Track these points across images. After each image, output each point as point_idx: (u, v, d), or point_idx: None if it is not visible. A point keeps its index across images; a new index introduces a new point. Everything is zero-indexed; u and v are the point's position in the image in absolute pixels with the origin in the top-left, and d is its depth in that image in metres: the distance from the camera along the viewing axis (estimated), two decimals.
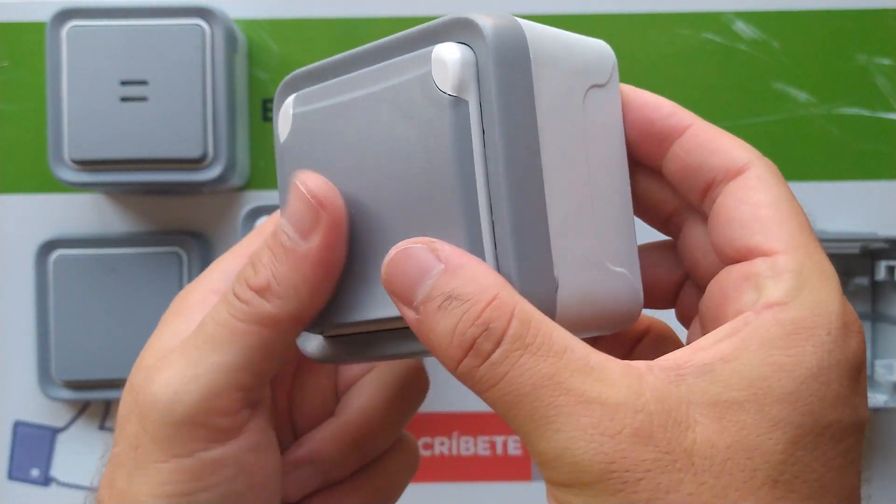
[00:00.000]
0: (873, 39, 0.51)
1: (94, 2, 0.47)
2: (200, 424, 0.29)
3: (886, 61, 0.51)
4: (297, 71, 0.31)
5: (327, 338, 0.31)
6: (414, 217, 0.27)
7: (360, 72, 0.29)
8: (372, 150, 0.28)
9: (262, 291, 0.29)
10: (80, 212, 0.51)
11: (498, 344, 0.24)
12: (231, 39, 0.47)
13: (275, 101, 0.32)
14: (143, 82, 0.46)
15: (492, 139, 0.25)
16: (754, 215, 0.27)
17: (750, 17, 0.51)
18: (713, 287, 0.29)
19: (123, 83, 0.46)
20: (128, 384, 0.30)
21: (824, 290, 0.26)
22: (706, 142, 0.30)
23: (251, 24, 0.51)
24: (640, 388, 0.24)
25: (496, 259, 0.26)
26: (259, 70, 0.51)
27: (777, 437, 0.24)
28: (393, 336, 0.29)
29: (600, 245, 0.29)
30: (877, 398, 0.48)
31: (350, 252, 0.29)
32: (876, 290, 0.51)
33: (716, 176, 0.29)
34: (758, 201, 0.28)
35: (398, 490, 0.36)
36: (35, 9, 0.50)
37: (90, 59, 0.46)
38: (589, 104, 0.29)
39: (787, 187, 0.28)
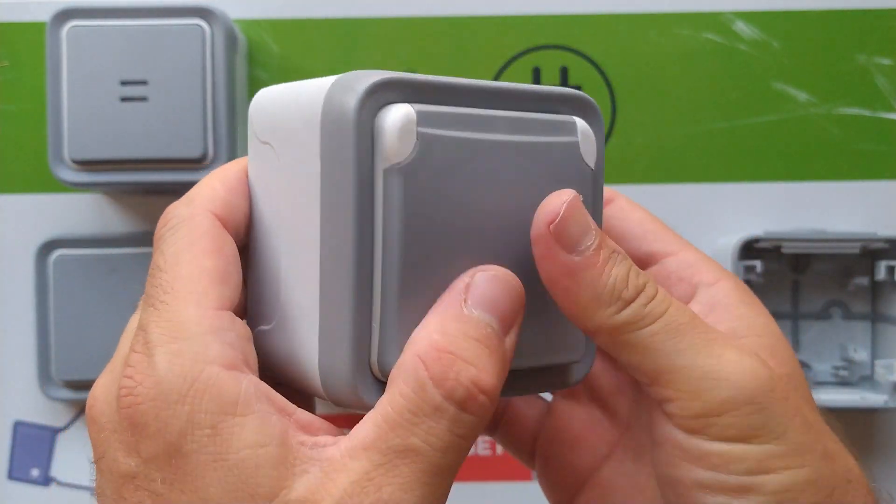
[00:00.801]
0: (873, 39, 0.51)
1: (94, 2, 0.47)
2: None
3: (886, 61, 0.51)
4: (395, 76, 0.27)
5: None
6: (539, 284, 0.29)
7: (497, 112, 0.28)
8: (507, 195, 0.28)
9: (494, 394, 0.25)
10: (80, 212, 0.51)
11: (657, 288, 0.28)
12: (231, 39, 0.47)
13: (362, 105, 0.26)
14: (143, 82, 0.46)
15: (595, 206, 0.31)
16: (643, 230, 0.33)
17: (750, 17, 0.51)
18: None
19: (123, 83, 0.46)
20: None
21: (724, 267, 0.33)
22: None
23: (251, 24, 0.51)
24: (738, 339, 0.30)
25: None
26: (259, 70, 0.51)
27: (795, 364, 0.30)
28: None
29: None
30: (877, 398, 0.48)
31: None
32: (876, 290, 0.51)
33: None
34: (638, 219, 0.33)
35: None
36: (35, 9, 0.50)
37: (90, 59, 0.46)
38: None
39: (643, 208, 0.34)
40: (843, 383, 0.51)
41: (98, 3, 0.47)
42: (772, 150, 0.51)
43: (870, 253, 0.49)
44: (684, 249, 0.33)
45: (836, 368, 0.51)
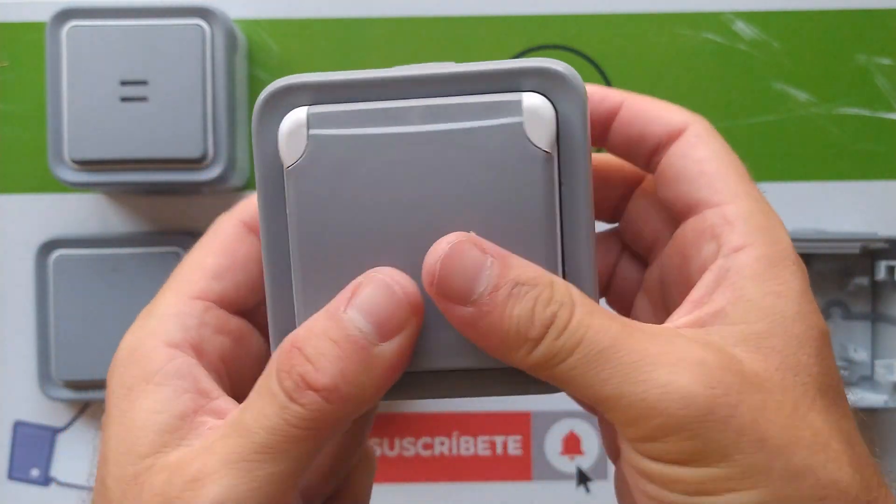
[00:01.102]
0: (873, 39, 0.51)
1: (94, 2, 0.47)
2: None
3: (886, 61, 0.51)
4: (296, 80, 0.27)
5: None
6: None
7: (410, 103, 0.27)
8: (429, 191, 0.26)
9: (325, 393, 0.25)
10: (80, 212, 0.51)
11: (572, 313, 0.25)
12: (231, 39, 0.47)
13: (262, 111, 0.27)
14: (143, 82, 0.46)
15: (573, 189, 0.27)
16: (699, 171, 0.30)
17: (750, 17, 0.51)
18: (669, 252, 0.31)
19: (123, 83, 0.46)
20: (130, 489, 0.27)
21: (774, 229, 0.29)
22: (642, 112, 0.32)
23: (251, 24, 0.51)
24: (692, 339, 0.26)
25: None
26: (259, 70, 0.51)
27: (807, 351, 0.26)
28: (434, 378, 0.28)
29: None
30: (877, 398, 0.48)
31: None
32: (876, 290, 0.51)
33: (659, 140, 0.31)
34: (700, 157, 0.30)
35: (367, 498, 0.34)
36: (35, 9, 0.50)
37: (90, 59, 0.46)
38: None
39: (723, 142, 0.31)
40: (843, 383, 0.51)
41: (98, 3, 0.47)
42: (772, 150, 0.51)
43: (870, 253, 0.49)
44: (732, 200, 0.29)
45: None
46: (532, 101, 0.26)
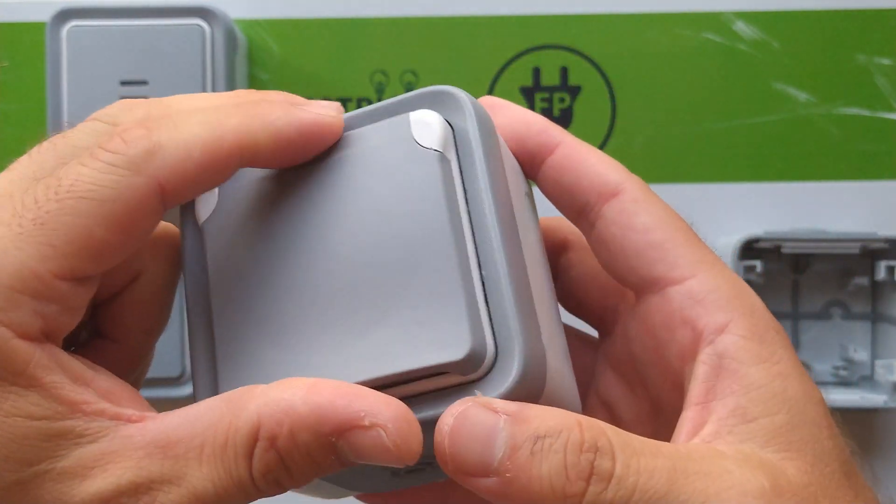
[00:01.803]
0: (873, 39, 0.51)
1: (94, 2, 0.47)
2: None
3: (886, 61, 0.51)
4: None
5: None
6: (392, 282, 0.25)
7: None
8: (336, 219, 0.26)
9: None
10: None
11: (614, 459, 0.23)
12: (231, 39, 0.47)
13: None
14: (143, 82, 0.46)
15: (477, 194, 0.26)
16: (646, 242, 0.28)
17: (750, 17, 0.51)
18: (638, 332, 0.29)
19: (123, 83, 0.46)
20: None
21: (744, 295, 0.27)
22: (576, 163, 0.29)
23: (251, 24, 0.51)
24: (741, 463, 0.25)
25: (491, 323, 0.25)
26: (259, 70, 0.51)
27: (825, 434, 0.26)
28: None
29: (555, 323, 0.29)
30: (877, 398, 0.48)
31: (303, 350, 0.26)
32: (876, 290, 0.51)
33: (588, 199, 0.29)
34: (644, 226, 0.28)
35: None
36: (35, 9, 0.50)
37: (90, 59, 0.46)
38: (526, 201, 0.30)
39: (662, 203, 0.29)
40: (843, 383, 0.51)
41: (98, 3, 0.47)
42: (772, 150, 0.51)
43: (870, 253, 0.49)
44: (692, 273, 0.27)
45: (836, 368, 0.51)
46: (418, 113, 0.27)
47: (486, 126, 0.27)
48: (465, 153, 0.26)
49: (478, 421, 0.23)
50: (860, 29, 0.51)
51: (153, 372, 0.48)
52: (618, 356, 0.32)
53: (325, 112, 0.26)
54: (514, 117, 0.30)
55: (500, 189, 0.26)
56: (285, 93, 0.27)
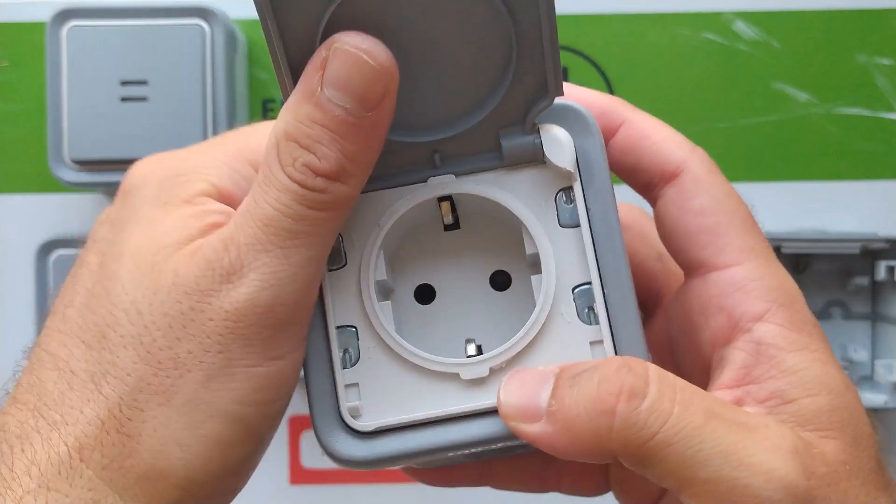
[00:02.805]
0: (873, 39, 0.51)
1: (94, 2, 0.47)
2: (298, 323, 0.27)
3: (886, 61, 0.51)
4: None
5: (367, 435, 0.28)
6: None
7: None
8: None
9: (335, 176, 0.25)
10: (80, 212, 0.51)
11: (647, 381, 0.24)
12: (231, 39, 0.47)
13: None
14: (143, 82, 0.46)
15: (602, 216, 0.28)
16: (698, 226, 0.28)
17: (750, 17, 0.51)
18: (676, 314, 0.30)
19: (123, 83, 0.46)
20: (170, 293, 0.26)
21: (785, 287, 0.28)
22: (638, 141, 0.29)
23: (251, 24, 0.51)
24: (780, 423, 0.25)
25: (613, 340, 0.27)
26: (259, 70, 0.51)
27: (863, 420, 0.26)
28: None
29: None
30: (877, 398, 0.48)
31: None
32: (876, 290, 0.51)
33: (651, 178, 0.29)
34: (699, 209, 0.28)
35: None
36: (35, 9, 0.50)
37: (90, 59, 0.46)
38: None
39: (723, 182, 0.29)
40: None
41: (98, 3, 0.47)
42: (772, 150, 0.51)
43: (870, 253, 0.49)
44: (737, 261, 0.28)
45: None
46: (551, 131, 0.28)
47: (603, 145, 0.28)
48: (587, 172, 0.28)
49: (532, 373, 0.26)
50: (860, 29, 0.51)
51: None
52: (656, 339, 0.32)
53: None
54: (577, 98, 0.29)
55: (615, 211, 0.28)
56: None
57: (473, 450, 0.28)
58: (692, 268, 0.29)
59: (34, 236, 0.50)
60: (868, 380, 0.50)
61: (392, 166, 0.28)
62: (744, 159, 0.51)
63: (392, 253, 0.29)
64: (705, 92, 0.51)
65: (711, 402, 0.25)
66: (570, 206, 0.28)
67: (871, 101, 0.51)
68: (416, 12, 0.25)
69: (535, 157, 0.28)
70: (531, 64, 0.27)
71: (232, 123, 0.47)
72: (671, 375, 0.25)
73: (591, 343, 0.27)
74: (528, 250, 0.28)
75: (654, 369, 0.25)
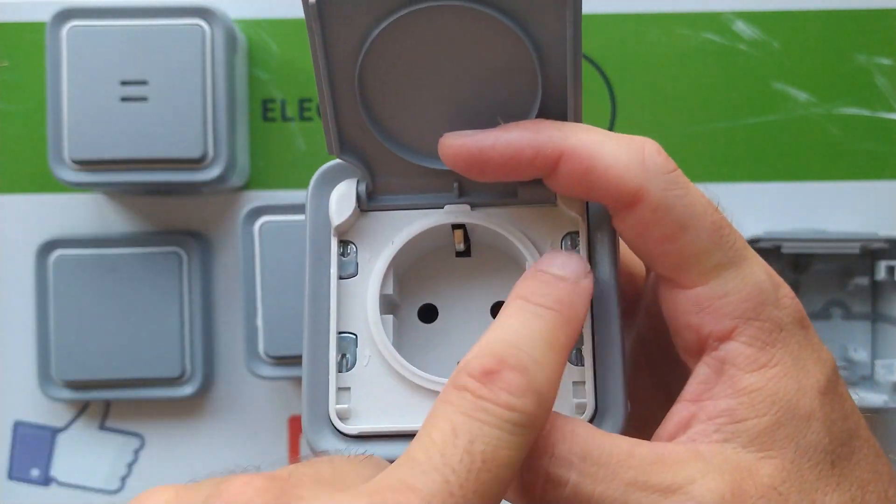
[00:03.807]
0: (873, 39, 0.51)
1: (94, 2, 0.47)
2: None
3: (886, 61, 0.51)
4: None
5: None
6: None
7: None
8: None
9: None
10: (80, 212, 0.51)
11: (570, 467, 0.25)
12: (231, 39, 0.47)
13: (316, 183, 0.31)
14: (143, 82, 0.46)
15: (601, 266, 0.30)
16: (661, 252, 0.28)
17: (750, 17, 0.51)
18: (653, 318, 0.31)
19: (123, 83, 0.46)
20: None
21: (754, 295, 0.27)
22: (582, 176, 0.27)
23: (251, 24, 0.51)
24: (711, 461, 0.26)
25: (595, 385, 0.29)
26: (259, 70, 0.51)
27: (815, 427, 0.27)
28: None
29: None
30: (877, 398, 0.48)
31: None
32: (876, 290, 0.51)
33: (608, 205, 0.28)
34: (659, 237, 0.27)
35: None
36: (35, 9, 0.50)
37: (90, 59, 0.46)
38: None
39: (683, 197, 0.27)
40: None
41: (98, 3, 0.47)
42: (772, 150, 0.51)
43: (870, 253, 0.49)
44: (703, 280, 0.27)
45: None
46: None
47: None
48: (594, 221, 0.30)
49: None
50: (860, 29, 0.51)
51: (153, 372, 0.49)
52: (639, 332, 0.33)
53: None
54: (503, 150, 0.27)
55: (616, 263, 0.30)
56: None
57: None
58: (660, 279, 0.29)
59: (34, 236, 0.50)
60: (868, 380, 0.50)
61: (413, 189, 0.30)
62: (744, 159, 0.51)
63: (403, 271, 0.31)
64: (705, 92, 0.51)
65: (636, 470, 0.25)
66: (574, 250, 0.29)
67: (871, 101, 0.51)
68: (452, 44, 0.27)
69: (548, 199, 0.29)
70: (554, 102, 0.28)
71: (232, 123, 0.47)
72: (597, 447, 0.26)
73: (574, 383, 0.29)
74: None
75: (578, 447, 0.25)
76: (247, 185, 0.51)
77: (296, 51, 0.51)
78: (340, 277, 0.30)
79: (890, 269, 0.48)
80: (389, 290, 0.30)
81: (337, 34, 0.26)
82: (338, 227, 0.30)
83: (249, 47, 0.51)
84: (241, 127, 0.49)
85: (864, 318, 0.51)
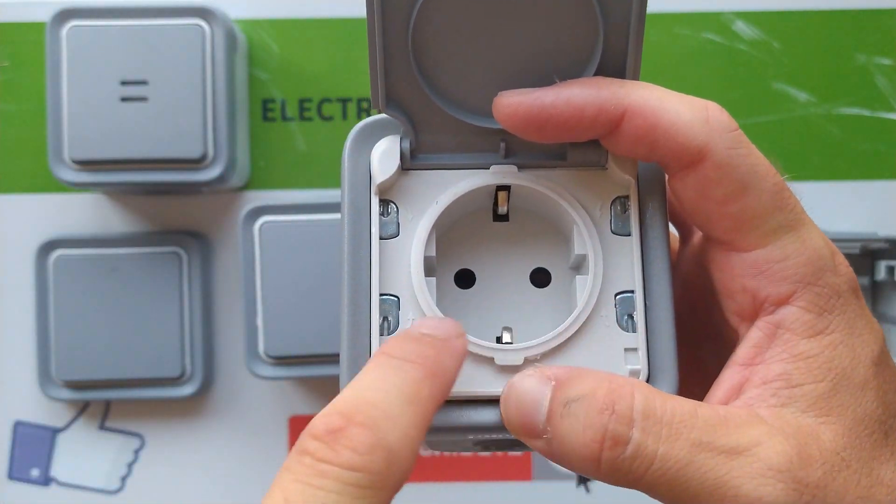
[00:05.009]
0: (873, 39, 0.51)
1: (94, 2, 0.47)
2: None
3: (886, 61, 0.51)
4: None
5: None
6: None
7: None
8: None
9: None
10: (80, 212, 0.51)
11: (631, 424, 0.25)
12: (231, 39, 0.47)
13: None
14: (143, 82, 0.46)
15: (653, 231, 0.29)
16: (721, 213, 0.27)
17: (750, 17, 0.51)
18: (697, 272, 0.31)
19: (123, 83, 0.46)
20: None
21: (813, 261, 0.27)
22: (647, 132, 0.26)
23: (251, 24, 0.51)
24: (773, 424, 0.26)
25: (647, 349, 0.28)
26: (259, 70, 0.51)
27: (869, 396, 0.26)
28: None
29: None
30: None
31: None
32: (876, 290, 0.51)
33: (667, 164, 0.27)
34: (722, 197, 0.27)
35: None
36: (35, 9, 0.50)
37: (90, 59, 0.46)
38: None
39: (746, 156, 0.27)
40: None
41: (98, 3, 0.47)
42: (772, 150, 0.51)
43: (870, 253, 0.49)
44: (762, 243, 0.27)
45: None
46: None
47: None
48: (646, 185, 0.29)
49: (528, 388, 0.26)
50: (860, 29, 0.51)
51: (153, 372, 0.49)
52: (689, 268, 0.33)
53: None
54: (563, 108, 0.27)
55: (667, 228, 0.29)
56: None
57: (493, 436, 0.28)
58: (715, 241, 0.28)
59: (34, 236, 0.50)
60: None
61: (458, 148, 0.28)
62: None
63: (441, 233, 0.30)
64: (705, 92, 0.51)
65: (700, 430, 0.25)
66: (625, 214, 0.28)
67: (871, 101, 0.51)
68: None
69: (598, 162, 0.28)
70: (613, 59, 0.27)
71: (232, 123, 0.47)
72: (659, 406, 0.25)
73: (626, 349, 0.28)
74: (577, 251, 0.28)
75: (640, 405, 0.25)
76: (247, 185, 0.51)
77: (296, 51, 0.51)
78: (381, 238, 0.28)
79: (890, 269, 0.48)
80: (432, 252, 0.28)
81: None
82: (381, 184, 0.28)
83: (249, 47, 0.51)
84: (241, 127, 0.49)
85: None
